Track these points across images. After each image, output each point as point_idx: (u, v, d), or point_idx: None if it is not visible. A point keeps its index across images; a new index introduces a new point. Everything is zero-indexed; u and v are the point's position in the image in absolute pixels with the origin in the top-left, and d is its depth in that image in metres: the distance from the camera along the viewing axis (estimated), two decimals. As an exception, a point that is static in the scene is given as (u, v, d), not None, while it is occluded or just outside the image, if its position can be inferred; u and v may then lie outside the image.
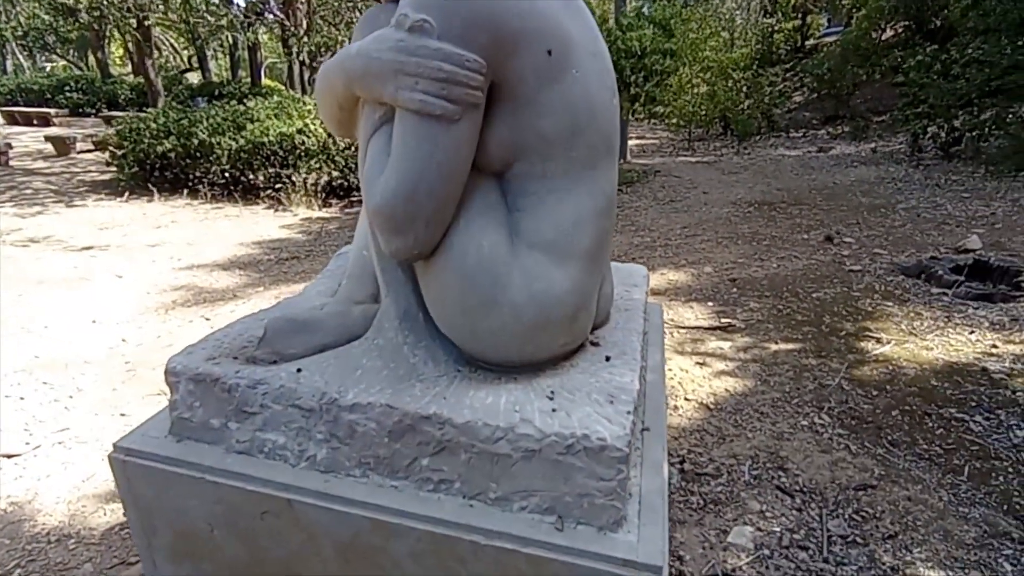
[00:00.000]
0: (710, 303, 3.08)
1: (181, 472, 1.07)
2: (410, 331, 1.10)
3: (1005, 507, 1.69)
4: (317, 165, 6.12)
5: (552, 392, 1.02)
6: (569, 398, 1.00)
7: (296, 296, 1.43)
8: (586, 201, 1.03)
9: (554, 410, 0.97)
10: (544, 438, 0.92)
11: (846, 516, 1.70)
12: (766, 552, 1.60)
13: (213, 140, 6.43)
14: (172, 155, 6.59)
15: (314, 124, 6.38)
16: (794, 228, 4.13)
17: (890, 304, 2.89)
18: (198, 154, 6.54)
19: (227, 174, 6.41)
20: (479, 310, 1.00)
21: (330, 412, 1.01)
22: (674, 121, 9.40)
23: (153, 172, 6.74)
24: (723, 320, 2.85)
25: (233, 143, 6.36)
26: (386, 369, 1.07)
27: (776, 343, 2.64)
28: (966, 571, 1.51)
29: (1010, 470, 1.82)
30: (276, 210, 6.02)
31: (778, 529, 1.67)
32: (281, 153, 6.26)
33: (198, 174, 6.54)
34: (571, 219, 1.02)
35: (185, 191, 6.60)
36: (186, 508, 1.09)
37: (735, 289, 3.23)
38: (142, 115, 7.29)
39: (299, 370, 1.07)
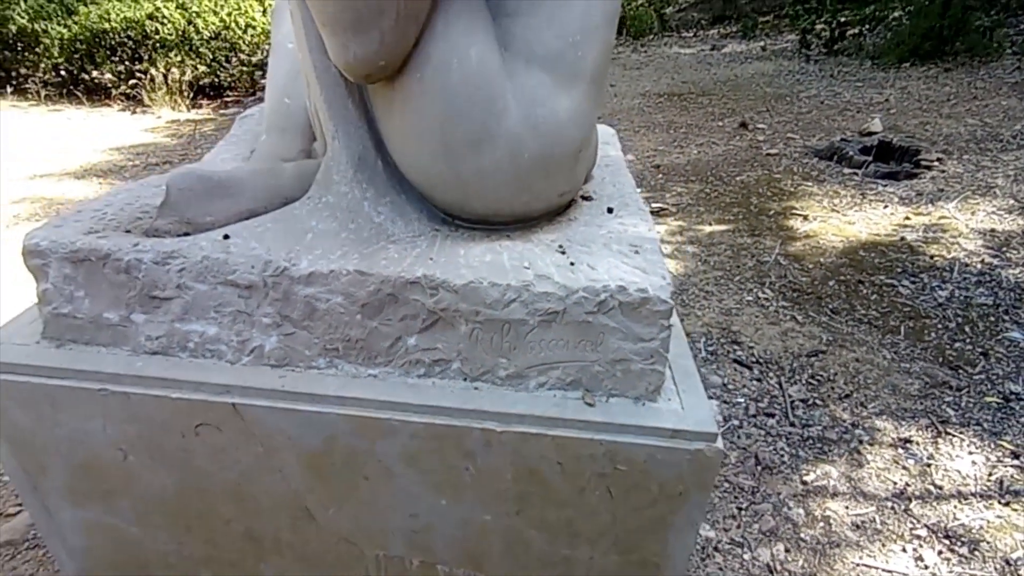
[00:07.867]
0: (639, 189, 2.98)
1: (72, 386, 0.79)
2: (368, 183, 0.85)
3: (940, 359, 1.77)
4: (178, 58, 5.25)
5: (561, 246, 0.83)
6: (584, 250, 0.82)
7: (196, 164, 1.12)
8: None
9: (572, 264, 0.78)
10: (569, 295, 0.74)
11: (803, 381, 1.71)
12: (735, 423, 1.57)
13: (37, 27, 5.29)
14: (-16, 46, 5.38)
15: (168, 7, 5.40)
16: (707, 116, 4.10)
17: (809, 184, 2.94)
18: (19, 44, 5.38)
19: (63, 70, 5.35)
20: (467, 144, 0.77)
21: (278, 288, 0.77)
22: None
23: (-41, 68, 5.50)
24: (654, 205, 2.77)
25: (64, 31, 5.28)
26: (344, 231, 0.83)
27: (709, 224, 2.60)
28: (916, 419, 1.56)
29: (939, 326, 1.90)
30: (134, 111, 5.15)
31: (742, 400, 1.65)
32: (130, 44, 5.28)
33: (23, 70, 5.41)
34: (579, 24, 0.79)
35: (9, 89, 5.47)
36: (85, 434, 0.82)
37: (660, 175, 3.15)
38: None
39: (227, 236, 0.80)
